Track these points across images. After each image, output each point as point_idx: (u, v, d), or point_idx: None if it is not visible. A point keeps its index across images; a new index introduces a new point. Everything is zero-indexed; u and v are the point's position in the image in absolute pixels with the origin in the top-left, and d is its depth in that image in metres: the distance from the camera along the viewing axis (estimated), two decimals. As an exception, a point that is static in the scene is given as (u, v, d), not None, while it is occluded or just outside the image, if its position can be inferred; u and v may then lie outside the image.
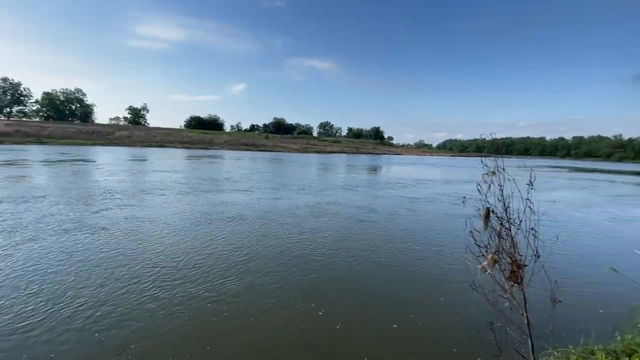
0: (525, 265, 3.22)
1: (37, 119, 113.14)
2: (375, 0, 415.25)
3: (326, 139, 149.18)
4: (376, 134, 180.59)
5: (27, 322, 4.53)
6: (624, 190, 27.26)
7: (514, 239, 3.23)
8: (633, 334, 2.95)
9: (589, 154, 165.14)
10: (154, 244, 7.97)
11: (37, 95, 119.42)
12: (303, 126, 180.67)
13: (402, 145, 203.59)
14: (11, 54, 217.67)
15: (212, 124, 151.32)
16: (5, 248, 7.31)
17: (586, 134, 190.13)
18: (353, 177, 28.41)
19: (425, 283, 6.43)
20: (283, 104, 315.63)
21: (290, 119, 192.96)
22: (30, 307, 4.91)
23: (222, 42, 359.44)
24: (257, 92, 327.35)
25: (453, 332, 4.77)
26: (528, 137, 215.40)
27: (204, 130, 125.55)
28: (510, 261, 3.28)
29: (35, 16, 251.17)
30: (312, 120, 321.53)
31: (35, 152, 39.44)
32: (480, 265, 3.38)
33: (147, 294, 5.48)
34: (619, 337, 2.85)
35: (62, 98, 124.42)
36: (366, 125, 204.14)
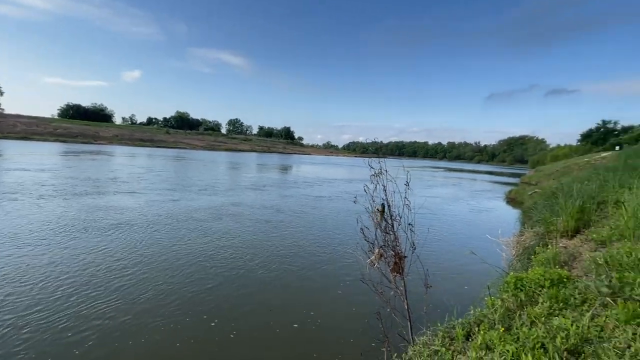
0: (405, 257, 3.60)
1: None
2: (291, 1, 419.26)
3: (236, 137, 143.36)
4: (287, 134, 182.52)
5: None
6: (481, 186, 34.23)
7: (396, 234, 3.57)
8: (483, 307, 3.59)
9: (459, 157, 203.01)
10: (-5, 265, 6.14)
11: None
12: (210, 122, 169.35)
13: (312, 146, 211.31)
14: None
15: (98, 115, 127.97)
16: None
17: (457, 140, 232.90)
18: (262, 177, 27.95)
19: (325, 280, 6.67)
20: (187, 97, 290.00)
21: (196, 114, 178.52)
22: None
23: (114, 20, 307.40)
24: (156, 81, 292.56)
25: (349, 324, 5.05)
26: (415, 142, 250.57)
27: (86, 122, 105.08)
28: (393, 254, 3.62)
29: None
30: (220, 117, 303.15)
31: None
32: (369, 260, 3.63)
33: (-24, 333, 4.13)
34: (472, 311, 3.42)
35: None
36: (277, 124, 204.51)
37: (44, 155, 32.91)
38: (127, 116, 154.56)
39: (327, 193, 19.60)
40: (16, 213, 9.90)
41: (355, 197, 3.84)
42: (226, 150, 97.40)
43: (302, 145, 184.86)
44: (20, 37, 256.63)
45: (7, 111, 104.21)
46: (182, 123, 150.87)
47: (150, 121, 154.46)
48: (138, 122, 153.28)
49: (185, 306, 5.17)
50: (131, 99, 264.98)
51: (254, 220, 11.22)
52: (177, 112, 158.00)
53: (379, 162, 3.42)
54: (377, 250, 3.47)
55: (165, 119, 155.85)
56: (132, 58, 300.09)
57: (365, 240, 3.61)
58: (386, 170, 3.39)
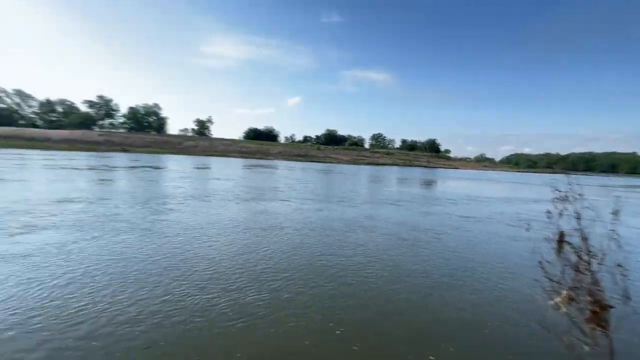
0: (612, 307, 2.73)
1: (123, 130, 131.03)
2: (430, 10, 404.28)
3: (378, 151, 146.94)
4: (431, 147, 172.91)
5: None
6: None
7: (594, 275, 2.77)
8: None
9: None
10: (200, 249, 8.48)
11: (123, 109, 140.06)
12: (355, 137, 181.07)
13: (461, 159, 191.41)
14: (103, 77, 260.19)
15: (268, 136, 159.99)
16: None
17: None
18: (400, 191, 27.38)
19: (473, 312, 5.73)
20: (336, 115, 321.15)
21: (342, 131, 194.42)
22: None
23: (282, 57, 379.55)
24: (311, 104, 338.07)
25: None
26: (614, 152, 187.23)
27: (260, 142, 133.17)
28: (590, 300, 2.81)
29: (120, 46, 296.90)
30: (364, 132, 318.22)
31: (117, 159, 45.54)
32: (552, 302, 2.95)
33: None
34: None
35: (142, 112, 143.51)
36: (421, 137, 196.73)
37: (232, 168, 43.70)
38: (288, 135, 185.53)
39: (477, 213, 17.08)
40: (201, 212, 13.32)
41: (527, 224, 3.25)
42: (368, 164, 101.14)
43: (448, 158, 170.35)
44: (225, 79, 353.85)
45: (215, 135, 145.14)
46: (331, 139, 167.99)
47: (305, 139, 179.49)
48: (296, 140, 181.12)
49: (311, 311, 5.44)
50: (292, 120, 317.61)
51: (388, 236, 10.98)
52: (327, 129, 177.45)
53: (569, 184, 2.78)
54: (565, 292, 2.79)
55: (317, 136, 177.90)
56: (294, 86, 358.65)
57: (545, 277, 2.97)
58: (580, 194, 2.72)
